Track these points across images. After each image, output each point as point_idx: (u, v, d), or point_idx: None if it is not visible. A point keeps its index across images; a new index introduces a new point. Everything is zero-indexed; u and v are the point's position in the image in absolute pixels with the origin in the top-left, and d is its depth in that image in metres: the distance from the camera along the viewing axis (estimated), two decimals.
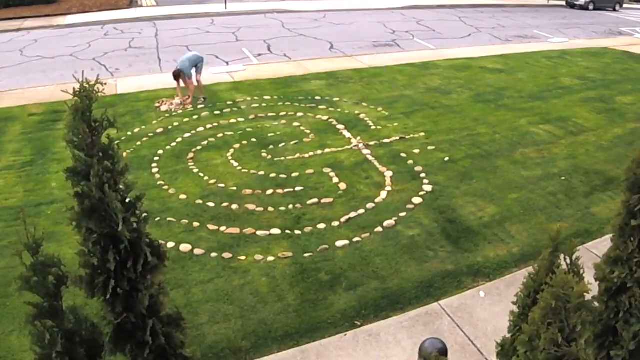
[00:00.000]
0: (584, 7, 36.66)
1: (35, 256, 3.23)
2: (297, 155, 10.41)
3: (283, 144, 10.94)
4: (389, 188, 9.12)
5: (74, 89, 3.24)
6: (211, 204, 8.54)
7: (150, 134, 11.44)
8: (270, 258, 7.23)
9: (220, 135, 11.41)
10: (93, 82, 3.33)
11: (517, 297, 3.94)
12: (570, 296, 2.94)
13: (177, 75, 13.19)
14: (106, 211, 3.40)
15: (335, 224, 8.04)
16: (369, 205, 8.54)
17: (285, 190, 8.99)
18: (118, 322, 3.64)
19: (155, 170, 9.75)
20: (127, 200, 3.61)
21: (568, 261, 3.55)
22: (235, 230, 7.84)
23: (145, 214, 3.72)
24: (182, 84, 13.44)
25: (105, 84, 3.38)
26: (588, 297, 3.15)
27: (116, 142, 3.55)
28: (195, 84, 13.73)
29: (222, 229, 7.88)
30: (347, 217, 8.23)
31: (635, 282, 4.08)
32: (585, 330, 3.05)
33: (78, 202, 3.42)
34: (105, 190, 3.34)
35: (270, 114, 12.74)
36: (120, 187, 3.54)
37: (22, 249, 3.18)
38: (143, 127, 11.88)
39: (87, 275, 3.56)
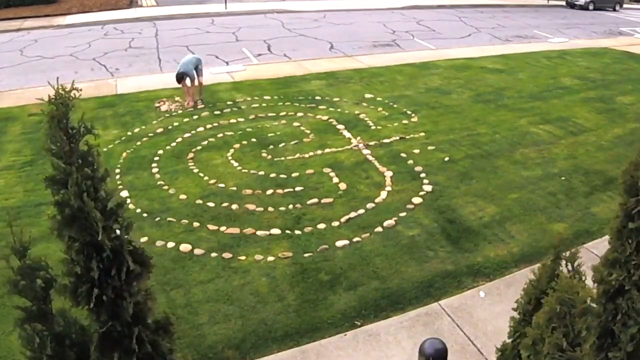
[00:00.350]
0: (584, 7, 36.62)
1: (22, 260, 3.21)
2: (297, 155, 10.41)
3: (283, 144, 10.94)
4: (389, 188, 9.12)
5: (49, 96, 3.20)
6: (211, 204, 8.54)
7: (150, 134, 11.43)
8: (270, 258, 7.23)
9: (220, 135, 11.41)
10: (68, 88, 3.28)
11: (518, 303, 3.93)
12: (575, 301, 2.94)
13: (181, 78, 13.10)
14: (86, 219, 3.35)
15: (335, 224, 8.04)
16: (369, 205, 8.54)
17: (285, 190, 8.99)
18: (103, 330, 3.60)
19: (155, 170, 9.75)
20: (108, 208, 3.56)
21: (570, 267, 3.55)
22: (235, 230, 7.84)
23: (128, 222, 3.67)
24: (188, 84, 13.31)
25: (81, 89, 3.33)
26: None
27: (95, 148, 3.49)
28: (196, 84, 13.58)
29: (222, 229, 7.88)
30: (347, 217, 8.23)
31: (633, 285, 4.07)
32: (590, 336, 3.04)
33: (58, 211, 3.38)
34: (84, 199, 3.28)
35: (270, 114, 12.73)
36: (101, 194, 3.49)
37: (9, 252, 3.18)
38: (143, 127, 11.87)
39: (71, 283, 3.51)
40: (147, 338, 3.71)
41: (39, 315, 3.30)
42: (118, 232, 3.48)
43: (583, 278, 3.49)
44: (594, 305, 4.22)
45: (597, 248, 7.22)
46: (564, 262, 3.57)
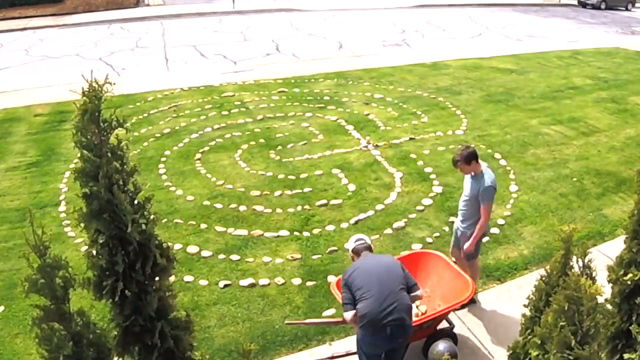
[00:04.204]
0: (595, 7, 36.34)
1: (42, 258, 3.19)
2: (306, 156, 10.35)
3: (291, 144, 10.89)
4: (398, 189, 9.05)
5: (82, 88, 3.21)
6: (219, 205, 8.51)
7: (157, 135, 11.40)
8: (279, 260, 7.19)
9: (228, 135, 11.36)
10: (102, 82, 3.29)
11: (529, 299, 3.90)
12: (583, 298, 2.92)
13: None
14: (115, 212, 3.36)
15: (344, 225, 7.99)
16: (379, 207, 8.47)
17: (294, 192, 8.94)
18: (126, 324, 3.61)
19: (162, 171, 9.72)
20: (136, 202, 3.57)
21: (580, 264, 3.50)
22: (243, 232, 7.79)
23: (154, 216, 3.69)
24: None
25: (114, 83, 3.34)
26: (601, 299, 3.10)
27: (125, 142, 3.51)
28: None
29: (230, 230, 7.84)
30: (356, 218, 8.17)
31: None
32: (598, 334, 3.01)
33: (86, 203, 3.39)
34: (114, 191, 3.31)
35: (278, 115, 12.68)
36: (129, 188, 3.50)
37: (29, 250, 3.15)
38: (150, 127, 11.85)
39: (95, 277, 3.53)
40: (170, 333, 3.72)
41: (57, 314, 3.28)
42: (144, 226, 3.49)
43: (594, 274, 3.44)
44: (604, 303, 4.16)
45: (610, 250, 7.16)
46: (574, 257, 3.53)
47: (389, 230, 7.86)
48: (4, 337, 5.86)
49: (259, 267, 7.06)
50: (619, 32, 26.95)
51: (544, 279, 3.76)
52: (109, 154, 3.36)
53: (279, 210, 8.38)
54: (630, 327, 4.11)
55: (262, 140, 11.10)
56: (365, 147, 10.82)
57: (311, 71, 16.72)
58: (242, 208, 8.43)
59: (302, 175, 9.51)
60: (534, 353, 3.25)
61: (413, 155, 10.35)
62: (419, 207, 8.48)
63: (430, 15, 29.31)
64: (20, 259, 3.12)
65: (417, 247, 7.46)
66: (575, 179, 9.54)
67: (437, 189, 9.05)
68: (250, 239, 7.66)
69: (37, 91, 14.70)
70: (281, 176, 9.46)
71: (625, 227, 4.26)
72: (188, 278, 6.79)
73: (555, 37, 24.13)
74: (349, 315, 4.72)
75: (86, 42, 21.46)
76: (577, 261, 3.51)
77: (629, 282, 4.12)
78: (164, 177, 9.49)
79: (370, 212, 8.33)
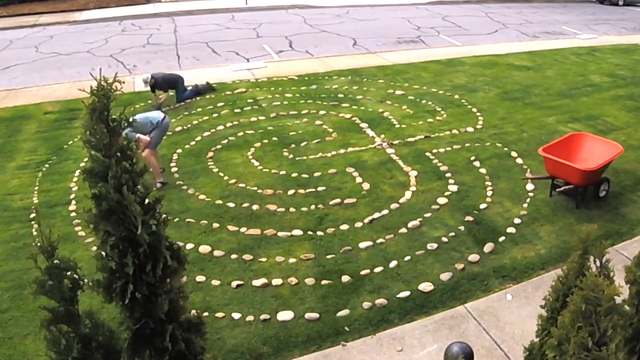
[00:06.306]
0: (613, 3, 35.87)
1: (50, 259, 3.15)
2: (320, 154, 10.28)
3: (305, 142, 10.83)
4: (413, 188, 8.95)
5: (91, 87, 3.15)
6: (231, 205, 8.47)
7: (168, 133, 11.35)
8: (292, 260, 7.13)
9: (240, 133, 11.33)
10: (111, 80, 3.24)
11: (546, 300, 3.87)
12: (600, 299, 2.88)
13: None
14: (124, 213, 3.32)
15: (359, 224, 7.92)
16: (393, 206, 8.39)
17: (307, 191, 8.88)
18: (136, 327, 3.56)
19: (174, 169, 9.72)
20: (146, 202, 3.52)
21: (598, 264, 3.43)
22: (256, 231, 7.75)
23: (164, 216, 3.64)
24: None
25: (124, 82, 3.27)
26: (619, 300, 3.06)
27: (134, 142, 3.45)
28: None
29: (243, 230, 7.81)
30: (370, 217, 8.09)
31: None
32: (615, 334, 2.98)
33: (95, 204, 3.34)
34: (124, 192, 3.26)
35: (291, 112, 12.63)
36: (139, 188, 3.45)
37: (37, 251, 3.10)
38: None
39: (105, 279, 3.49)
40: (181, 336, 3.68)
41: (66, 316, 3.26)
42: (154, 227, 3.45)
43: (611, 274, 3.38)
44: (622, 303, 4.07)
45: (627, 249, 7.12)
46: (592, 258, 3.47)
47: (403, 230, 7.77)
48: (14, 338, 5.85)
49: (272, 267, 7.01)
50: (637, 28, 26.57)
51: (560, 279, 3.74)
52: (119, 154, 3.31)
53: (292, 209, 8.33)
54: None
55: (275, 139, 11.05)
56: (380, 145, 10.73)
57: (325, 68, 16.64)
58: (255, 207, 8.39)
59: (316, 174, 9.45)
60: (551, 354, 3.20)
61: (428, 154, 10.25)
62: (434, 206, 8.39)
63: (445, 11, 29.10)
64: (29, 259, 3.08)
65: (432, 246, 7.37)
66: None
67: (453, 188, 8.95)
68: (264, 239, 7.61)
69: (47, 88, 14.76)
70: (294, 175, 9.41)
71: None
72: (200, 278, 6.76)
73: (572, 34, 23.84)
74: None
75: (97, 39, 21.56)
76: (595, 261, 3.45)
77: None
78: (176, 175, 9.49)
79: (385, 211, 8.25)
